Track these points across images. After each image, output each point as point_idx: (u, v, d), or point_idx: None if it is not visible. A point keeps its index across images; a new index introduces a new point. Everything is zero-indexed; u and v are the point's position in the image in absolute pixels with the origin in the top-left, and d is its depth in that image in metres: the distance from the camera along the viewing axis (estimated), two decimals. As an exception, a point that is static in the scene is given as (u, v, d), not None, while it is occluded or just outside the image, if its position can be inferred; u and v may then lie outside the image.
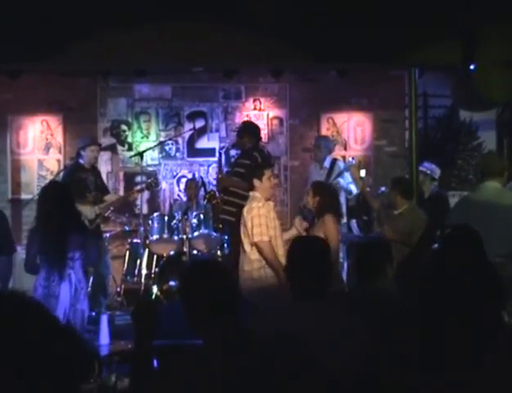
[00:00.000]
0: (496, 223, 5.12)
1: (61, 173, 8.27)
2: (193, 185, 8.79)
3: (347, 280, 7.73)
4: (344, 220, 7.89)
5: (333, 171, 8.03)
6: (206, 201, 7.99)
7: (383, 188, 7.97)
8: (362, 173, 7.45)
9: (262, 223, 5.80)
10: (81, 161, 7.75)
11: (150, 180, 8.11)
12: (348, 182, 8.02)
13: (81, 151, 7.77)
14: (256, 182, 5.98)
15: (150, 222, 8.09)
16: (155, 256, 8.02)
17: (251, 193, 6.05)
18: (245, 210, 5.98)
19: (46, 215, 5.40)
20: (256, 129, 7.75)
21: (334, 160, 8.22)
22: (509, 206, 5.27)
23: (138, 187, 8.44)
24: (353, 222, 8.44)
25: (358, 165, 7.83)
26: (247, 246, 5.88)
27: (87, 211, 7.25)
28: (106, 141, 9.30)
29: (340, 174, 7.98)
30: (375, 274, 3.99)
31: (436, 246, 4.82)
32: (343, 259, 7.71)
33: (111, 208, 7.75)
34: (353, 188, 8.03)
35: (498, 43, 7.54)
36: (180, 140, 9.46)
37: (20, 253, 7.16)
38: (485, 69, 7.61)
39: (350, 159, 8.41)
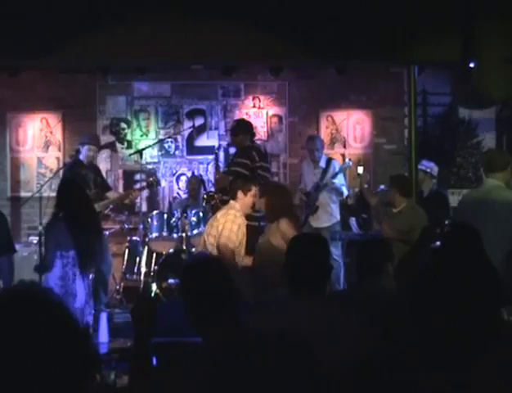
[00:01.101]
0: (490, 219, 5.11)
1: (61, 171, 8.28)
2: (195, 181, 8.78)
3: (345, 278, 7.74)
4: (331, 223, 7.91)
5: (328, 171, 8.00)
6: (205, 202, 7.99)
7: (382, 186, 7.97)
8: (360, 169, 7.41)
9: (234, 231, 5.77)
10: (81, 157, 7.78)
11: (151, 179, 8.10)
12: (341, 184, 8.01)
13: (80, 147, 7.83)
14: (240, 194, 5.97)
15: (149, 220, 8.10)
16: (155, 254, 8.03)
17: (231, 201, 6.03)
18: (220, 213, 5.94)
19: (73, 213, 5.43)
20: (250, 126, 7.72)
21: (330, 160, 8.19)
22: (504, 202, 5.25)
23: (139, 186, 8.44)
24: (352, 220, 8.44)
25: (357, 163, 7.82)
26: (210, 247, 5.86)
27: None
28: (105, 138, 9.30)
29: (335, 175, 7.96)
30: (377, 273, 3.98)
31: (436, 244, 4.81)
32: (338, 258, 7.72)
33: (111, 206, 7.75)
34: (345, 190, 8.03)
35: (498, 41, 7.53)
36: (179, 138, 9.46)
37: (20, 251, 7.16)
38: (485, 67, 7.60)
39: (347, 160, 8.41)
